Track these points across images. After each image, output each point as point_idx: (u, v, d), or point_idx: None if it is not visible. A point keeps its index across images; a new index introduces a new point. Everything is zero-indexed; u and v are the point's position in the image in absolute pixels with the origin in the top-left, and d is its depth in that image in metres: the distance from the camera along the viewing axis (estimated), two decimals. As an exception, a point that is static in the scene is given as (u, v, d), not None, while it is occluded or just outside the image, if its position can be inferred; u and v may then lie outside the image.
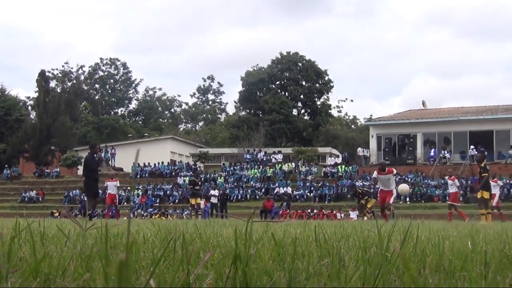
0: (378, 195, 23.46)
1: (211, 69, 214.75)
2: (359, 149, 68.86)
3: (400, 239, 4.58)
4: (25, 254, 2.91)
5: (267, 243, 3.56)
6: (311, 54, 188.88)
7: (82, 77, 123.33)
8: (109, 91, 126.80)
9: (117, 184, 36.27)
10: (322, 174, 64.76)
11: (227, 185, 63.00)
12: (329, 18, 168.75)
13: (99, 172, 23.85)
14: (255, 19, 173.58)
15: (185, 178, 66.21)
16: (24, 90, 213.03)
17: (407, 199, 55.61)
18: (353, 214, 48.89)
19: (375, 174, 23.77)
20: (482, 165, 25.14)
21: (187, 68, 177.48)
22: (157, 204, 61.47)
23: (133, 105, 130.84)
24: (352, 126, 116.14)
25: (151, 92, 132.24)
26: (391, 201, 24.78)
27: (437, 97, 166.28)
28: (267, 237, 4.04)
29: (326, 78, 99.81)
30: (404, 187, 25.97)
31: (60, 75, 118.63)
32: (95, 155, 22.88)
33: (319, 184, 60.81)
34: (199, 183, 37.50)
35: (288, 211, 53.42)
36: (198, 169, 67.68)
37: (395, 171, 22.69)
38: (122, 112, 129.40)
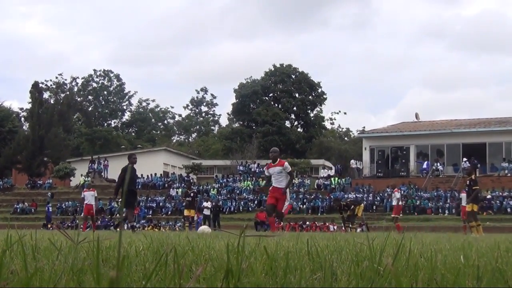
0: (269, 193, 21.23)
1: (205, 81, 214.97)
2: (352, 161, 68.95)
3: (392, 253, 4.57)
4: (17, 267, 2.90)
5: (260, 257, 3.55)
6: (306, 67, 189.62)
7: (76, 89, 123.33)
8: (102, 103, 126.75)
9: (95, 194, 35.79)
10: (315, 186, 64.78)
11: (220, 197, 62.95)
12: (325, 31, 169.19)
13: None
14: (251, 32, 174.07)
15: (178, 190, 66.19)
16: (18, 101, 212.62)
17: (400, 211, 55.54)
18: (332, 228, 48.90)
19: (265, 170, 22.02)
20: (473, 177, 25.16)
21: (181, 80, 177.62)
22: (150, 216, 61.37)
23: (126, 116, 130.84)
24: (345, 138, 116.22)
25: (144, 104, 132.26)
26: (284, 209, 21.86)
27: (431, 109, 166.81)
28: (259, 250, 4.03)
29: (319, 90, 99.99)
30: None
31: (53, 86, 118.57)
32: (132, 165, 22.69)
33: (312, 196, 60.81)
34: (191, 194, 37.32)
35: (281, 223, 53.29)
36: (191, 180, 67.66)
37: (287, 165, 20.68)
38: (115, 124, 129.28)
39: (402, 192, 58.22)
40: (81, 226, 36.85)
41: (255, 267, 2.94)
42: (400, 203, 35.93)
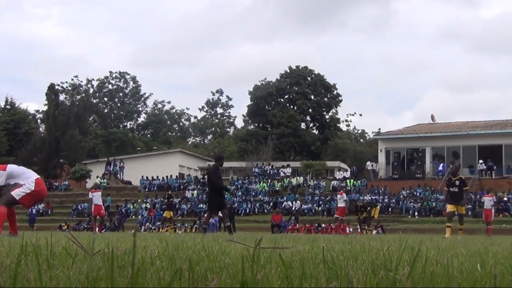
0: None
1: (221, 83, 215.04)
2: (368, 163, 68.73)
3: (408, 259, 4.54)
4: (32, 275, 2.90)
5: (275, 264, 3.54)
6: (324, 69, 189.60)
7: (91, 91, 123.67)
8: (118, 105, 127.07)
9: (99, 194, 35.88)
10: (331, 188, 64.62)
11: (235, 198, 62.92)
12: (342, 33, 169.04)
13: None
14: (269, 34, 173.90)
15: (193, 192, 66.27)
16: (34, 103, 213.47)
17: (416, 213, 55.57)
18: (348, 230, 48.86)
19: None
20: (464, 179, 24.77)
21: (197, 83, 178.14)
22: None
23: (142, 118, 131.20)
24: (361, 140, 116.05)
25: (159, 106, 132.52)
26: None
27: (448, 111, 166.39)
28: (275, 256, 4.01)
29: (335, 92, 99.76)
30: None
31: (69, 88, 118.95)
32: (220, 167, 22.55)
33: (328, 198, 60.68)
34: (166, 196, 37.40)
35: (296, 225, 53.29)
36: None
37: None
38: (131, 126, 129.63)
39: (418, 194, 58.27)
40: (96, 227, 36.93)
41: (271, 275, 2.93)
42: (346, 205, 36.22)
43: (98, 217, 35.36)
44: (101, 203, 35.33)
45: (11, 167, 14.75)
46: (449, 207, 24.05)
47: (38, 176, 15.13)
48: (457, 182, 23.87)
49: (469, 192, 25.01)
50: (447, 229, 23.63)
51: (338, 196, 37.16)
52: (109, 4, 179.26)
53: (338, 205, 36.50)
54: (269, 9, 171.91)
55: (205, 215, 23.03)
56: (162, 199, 64.10)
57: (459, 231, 23.66)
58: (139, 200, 65.79)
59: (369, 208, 35.70)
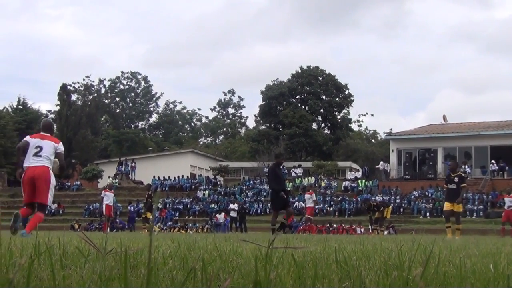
0: None
1: (234, 83, 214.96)
2: (381, 162, 68.66)
3: (421, 259, 4.53)
4: (45, 274, 2.91)
5: (287, 264, 3.54)
6: (337, 69, 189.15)
7: (103, 91, 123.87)
8: (130, 105, 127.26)
9: (112, 195, 36.14)
10: (342, 188, 64.57)
11: (246, 199, 62.95)
12: (356, 33, 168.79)
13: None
14: (283, 35, 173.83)
15: (204, 192, 66.35)
16: (46, 103, 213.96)
17: (427, 214, 55.45)
18: (359, 231, 48.85)
19: None
20: (463, 176, 24.09)
21: (210, 83, 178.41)
22: (177, 218, 61.46)
23: (154, 118, 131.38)
24: (372, 141, 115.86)
25: (171, 106, 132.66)
26: (48, 200, 18.48)
27: (461, 112, 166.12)
28: (287, 256, 4.01)
29: (347, 92, 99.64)
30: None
31: (81, 88, 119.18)
32: (281, 166, 22.20)
33: (339, 199, 60.64)
34: (146, 195, 37.25)
35: (307, 225, 53.25)
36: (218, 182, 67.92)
37: (62, 145, 16.40)
38: (143, 126, 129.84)
39: (430, 194, 58.12)
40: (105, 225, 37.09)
41: (283, 275, 2.93)
42: (315, 205, 36.05)
43: (107, 216, 35.59)
44: (112, 204, 35.54)
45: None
46: (446, 205, 23.30)
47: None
48: (456, 179, 23.02)
49: (467, 189, 24.22)
50: (447, 230, 23.07)
51: (307, 196, 36.77)
52: (122, 4, 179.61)
53: (307, 206, 35.94)
54: (284, 9, 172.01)
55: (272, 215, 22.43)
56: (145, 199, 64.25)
57: (456, 231, 22.67)
58: (144, 200, 65.87)
59: (382, 208, 35.50)
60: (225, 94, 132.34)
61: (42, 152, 13.79)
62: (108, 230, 33.02)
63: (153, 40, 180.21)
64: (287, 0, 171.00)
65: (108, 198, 35.06)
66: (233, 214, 50.46)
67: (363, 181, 64.66)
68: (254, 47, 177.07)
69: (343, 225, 53.11)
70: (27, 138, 14.19)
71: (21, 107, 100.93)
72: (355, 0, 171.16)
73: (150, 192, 37.70)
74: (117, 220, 54.06)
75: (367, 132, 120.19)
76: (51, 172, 13.90)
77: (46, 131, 14.36)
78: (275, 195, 21.40)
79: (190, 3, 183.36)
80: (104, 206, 35.33)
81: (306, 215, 37.39)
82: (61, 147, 14.19)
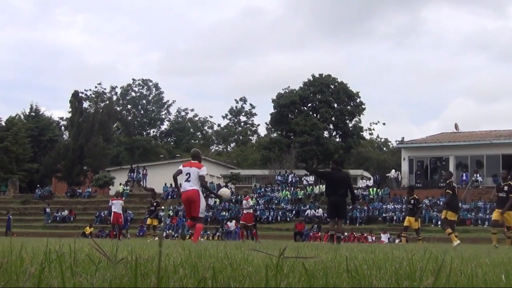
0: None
1: (247, 92, 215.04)
2: (393, 171, 68.54)
3: (432, 268, 4.51)
4: (56, 282, 2.91)
5: (298, 273, 3.53)
6: (352, 78, 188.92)
7: (115, 98, 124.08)
8: (142, 112, 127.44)
9: (122, 203, 36.23)
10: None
11: (257, 206, 62.92)
12: (370, 41, 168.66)
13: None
14: (298, 44, 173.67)
15: (216, 199, 66.36)
16: (59, 110, 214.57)
17: (439, 222, 55.30)
18: (384, 237, 48.67)
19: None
20: (448, 182, 23.88)
21: (223, 91, 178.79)
22: (188, 225, 61.37)
23: (165, 126, 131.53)
24: (384, 149, 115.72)
25: (183, 113, 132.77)
26: (200, 213, 18.82)
27: (475, 120, 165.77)
28: (297, 265, 4.00)
29: (358, 100, 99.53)
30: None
31: (93, 96, 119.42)
32: (341, 170, 22.19)
33: (350, 207, 60.58)
34: (154, 203, 37.17)
35: (319, 233, 53.23)
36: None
37: (205, 169, 18.96)
38: (154, 133, 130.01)
39: (441, 203, 57.93)
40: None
41: (294, 284, 2.92)
42: (251, 211, 35.68)
43: (116, 224, 35.65)
44: (121, 212, 35.66)
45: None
46: (494, 213, 23.05)
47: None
48: (506, 188, 22.53)
49: (449, 196, 23.62)
50: (492, 236, 22.71)
51: (244, 202, 36.32)
52: (135, 12, 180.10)
53: (245, 211, 35.42)
54: (300, 18, 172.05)
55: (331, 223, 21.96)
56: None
57: (507, 240, 22.35)
58: (162, 207, 65.95)
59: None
60: (237, 102, 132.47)
61: (191, 178, 18.15)
62: (121, 238, 32.96)
63: (167, 47, 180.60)
64: (302, 8, 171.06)
65: (116, 206, 35.21)
66: (244, 221, 50.38)
67: (375, 189, 64.54)
68: (269, 55, 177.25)
69: (354, 233, 53.03)
70: (181, 166, 18.86)
71: (34, 114, 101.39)
72: (370, 8, 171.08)
73: (157, 200, 37.76)
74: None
75: (379, 140, 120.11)
76: (200, 193, 18.34)
77: (194, 159, 19.12)
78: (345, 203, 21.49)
79: (205, 11, 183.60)
80: (112, 214, 35.56)
81: (241, 221, 36.92)
82: (202, 171, 18.52)
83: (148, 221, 37.08)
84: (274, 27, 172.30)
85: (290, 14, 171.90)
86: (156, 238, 34.64)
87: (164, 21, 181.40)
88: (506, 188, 22.59)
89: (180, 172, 18.50)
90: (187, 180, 18.13)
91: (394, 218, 57.36)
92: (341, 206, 21.02)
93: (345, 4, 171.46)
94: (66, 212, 67.62)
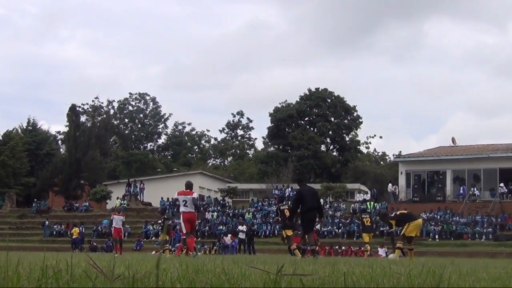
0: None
1: (245, 106, 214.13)
2: (390, 185, 68.52)
3: (430, 283, 4.51)
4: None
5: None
6: (350, 92, 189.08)
7: (112, 112, 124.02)
8: (139, 126, 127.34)
9: (123, 219, 36.46)
10: (351, 210, 64.44)
11: (255, 220, 62.85)
12: (369, 55, 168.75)
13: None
14: (300, 59, 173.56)
15: (213, 213, 66.28)
16: (55, 124, 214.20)
17: (436, 236, 55.31)
18: (382, 251, 48.58)
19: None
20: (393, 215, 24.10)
21: (222, 105, 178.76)
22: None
23: (162, 139, 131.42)
24: (381, 163, 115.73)
25: (180, 127, 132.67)
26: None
27: (474, 135, 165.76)
28: (296, 279, 3.98)
29: (355, 114, 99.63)
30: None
31: (90, 109, 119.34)
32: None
33: (348, 221, 60.53)
34: (163, 220, 37.96)
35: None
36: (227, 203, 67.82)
37: (196, 194, 22.97)
38: (151, 147, 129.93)
39: (439, 217, 57.94)
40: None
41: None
42: (120, 226, 35.76)
43: (117, 239, 35.84)
44: (121, 226, 35.86)
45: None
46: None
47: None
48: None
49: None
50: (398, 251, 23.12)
51: (115, 217, 36.43)
52: (136, 26, 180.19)
53: (115, 226, 35.64)
54: (303, 33, 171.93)
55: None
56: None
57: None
58: (159, 222, 65.83)
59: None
60: (234, 116, 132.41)
61: (188, 203, 21.76)
62: (119, 253, 33.04)
63: (170, 61, 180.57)
64: (306, 23, 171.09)
65: (116, 221, 35.41)
66: (242, 235, 50.32)
67: (372, 203, 64.50)
68: (271, 70, 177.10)
69: (351, 247, 52.98)
70: (176, 195, 23.40)
71: (31, 128, 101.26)
72: (372, 23, 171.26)
73: (165, 216, 38.49)
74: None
75: (376, 154, 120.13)
76: (196, 214, 22.46)
77: (187, 188, 22.29)
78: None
79: (208, 26, 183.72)
80: (112, 229, 35.86)
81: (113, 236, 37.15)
82: (195, 196, 22.23)
83: (161, 237, 37.53)
84: (277, 42, 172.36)
85: (293, 30, 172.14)
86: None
87: (167, 35, 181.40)
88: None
89: (177, 200, 24.74)
90: (185, 206, 21.74)
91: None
92: (314, 219, 22.89)
93: (347, 19, 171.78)
94: (62, 226, 67.51)
